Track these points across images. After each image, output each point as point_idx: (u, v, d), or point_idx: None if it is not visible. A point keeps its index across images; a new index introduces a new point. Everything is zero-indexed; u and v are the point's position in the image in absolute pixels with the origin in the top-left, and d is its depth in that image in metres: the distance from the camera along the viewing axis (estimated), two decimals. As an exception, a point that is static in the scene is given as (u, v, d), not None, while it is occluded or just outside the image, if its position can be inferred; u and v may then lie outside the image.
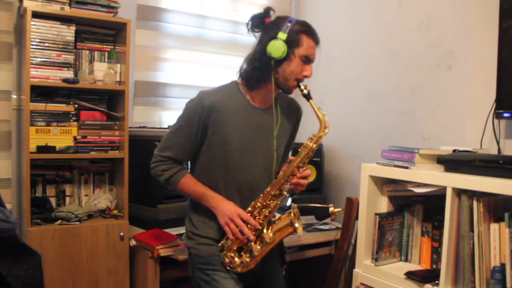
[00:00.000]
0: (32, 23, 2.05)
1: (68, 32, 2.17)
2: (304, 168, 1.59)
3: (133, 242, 2.20)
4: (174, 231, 2.25)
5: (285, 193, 1.59)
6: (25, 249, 1.58)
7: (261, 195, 1.59)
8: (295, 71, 1.57)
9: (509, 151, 1.85)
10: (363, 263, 1.78)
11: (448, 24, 2.15)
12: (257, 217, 1.59)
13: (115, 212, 2.30)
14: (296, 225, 1.57)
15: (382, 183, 1.80)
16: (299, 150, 1.60)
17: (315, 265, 2.66)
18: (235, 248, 1.60)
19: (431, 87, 2.24)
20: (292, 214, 1.57)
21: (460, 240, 1.46)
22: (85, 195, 2.38)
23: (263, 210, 1.59)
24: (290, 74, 1.57)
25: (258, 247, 1.57)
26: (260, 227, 1.58)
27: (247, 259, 1.58)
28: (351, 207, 1.98)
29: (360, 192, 1.81)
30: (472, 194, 1.43)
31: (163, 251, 2.05)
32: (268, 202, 1.59)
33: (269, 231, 1.59)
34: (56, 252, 2.04)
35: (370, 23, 2.63)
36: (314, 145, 1.59)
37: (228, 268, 1.60)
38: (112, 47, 2.38)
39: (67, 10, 2.12)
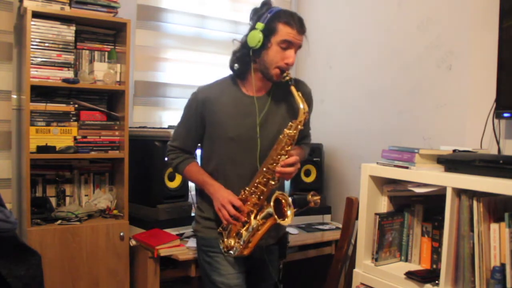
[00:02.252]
0: (32, 23, 2.05)
1: (68, 32, 2.17)
2: (286, 156, 1.61)
3: (133, 242, 2.20)
4: (174, 231, 2.25)
5: (271, 181, 1.63)
6: (25, 249, 1.58)
7: (250, 184, 1.67)
8: (274, 59, 1.61)
9: (509, 151, 1.85)
10: (363, 263, 1.78)
11: (448, 24, 2.15)
12: (248, 203, 1.66)
13: (115, 212, 2.30)
14: (288, 211, 1.62)
15: (382, 183, 1.80)
16: (280, 137, 1.63)
17: (315, 265, 2.66)
18: (232, 234, 1.69)
19: (431, 87, 2.24)
20: (272, 203, 1.59)
21: (460, 240, 1.46)
22: (85, 195, 2.38)
23: (253, 196, 1.65)
24: (270, 62, 1.62)
25: (246, 232, 1.65)
26: (248, 212, 1.65)
27: (238, 245, 1.67)
28: (351, 207, 1.98)
29: (360, 192, 1.81)
30: (472, 194, 1.43)
31: (163, 251, 2.05)
32: (255, 189, 1.65)
33: (257, 218, 1.64)
34: (56, 252, 2.04)
35: (370, 23, 2.63)
36: (293, 132, 1.61)
37: (224, 252, 1.70)
38: (112, 47, 2.38)
39: (67, 10, 2.12)
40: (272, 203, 1.59)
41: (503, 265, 1.37)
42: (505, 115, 1.74)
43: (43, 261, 1.63)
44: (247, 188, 1.67)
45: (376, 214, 1.75)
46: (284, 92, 1.70)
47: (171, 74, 2.80)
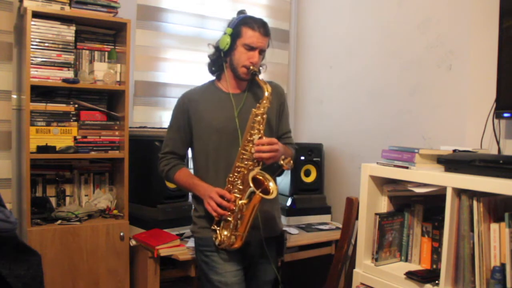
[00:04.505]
0: (32, 23, 2.05)
1: (68, 32, 2.17)
2: (260, 135, 1.68)
3: (133, 242, 2.20)
4: (174, 231, 2.25)
5: (249, 162, 1.68)
6: (25, 249, 1.58)
7: (232, 170, 1.72)
8: (240, 59, 1.78)
9: (509, 151, 1.85)
10: (363, 263, 1.78)
11: (448, 24, 2.15)
12: (234, 191, 1.69)
13: (115, 212, 2.30)
14: (271, 184, 1.63)
15: (382, 183, 1.80)
16: (249, 117, 1.72)
17: (315, 265, 2.66)
18: (225, 227, 1.70)
19: (431, 87, 2.24)
20: (251, 182, 1.60)
21: (460, 240, 1.46)
22: (85, 195, 2.38)
23: (237, 182, 1.70)
24: (237, 62, 1.79)
25: (233, 219, 1.67)
26: (235, 199, 1.67)
27: (229, 233, 1.68)
28: (351, 207, 1.98)
29: (360, 192, 1.81)
30: (472, 194, 1.43)
31: (163, 251, 2.06)
32: (237, 174, 1.70)
33: (241, 200, 1.66)
34: (56, 252, 2.04)
35: (370, 23, 2.63)
36: (262, 110, 1.71)
37: (219, 247, 1.72)
38: (112, 47, 2.38)
39: (67, 10, 2.12)
40: (251, 182, 1.61)
41: (503, 265, 1.37)
42: (505, 115, 1.74)
43: (43, 261, 1.63)
44: (230, 175, 1.71)
45: (376, 214, 1.75)
46: (259, 90, 1.84)
47: (171, 74, 2.80)
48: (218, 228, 1.73)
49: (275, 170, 1.73)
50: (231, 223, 1.68)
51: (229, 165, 1.74)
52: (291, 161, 1.65)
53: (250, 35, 1.76)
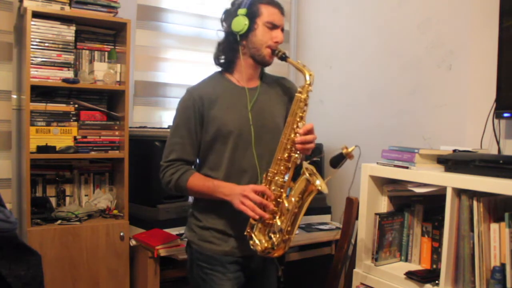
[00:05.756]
0: (32, 23, 2.05)
1: (68, 32, 2.17)
2: (303, 122, 1.52)
3: (133, 242, 2.20)
4: (174, 231, 2.25)
5: (294, 155, 1.50)
6: (25, 249, 1.57)
7: (272, 163, 1.52)
8: (263, 39, 1.59)
9: (509, 151, 1.85)
10: (363, 263, 1.78)
11: (448, 24, 2.15)
12: (273, 188, 1.50)
13: (115, 212, 2.30)
14: (317, 182, 1.41)
15: (382, 183, 1.80)
16: (292, 104, 1.55)
17: (315, 265, 2.66)
18: (265, 229, 1.50)
19: (431, 87, 2.24)
20: (307, 174, 1.42)
21: (460, 240, 1.47)
22: (85, 195, 2.38)
23: (277, 178, 1.50)
24: (260, 43, 1.59)
25: (283, 218, 1.46)
26: (276, 197, 1.48)
27: (278, 239, 1.47)
28: (351, 207, 1.98)
29: (360, 192, 1.81)
30: (472, 194, 1.43)
31: (163, 251, 2.05)
32: (279, 168, 1.50)
33: (290, 198, 1.46)
34: (56, 252, 2.04)
35: (370, 23, 2.63)
36: (304, 96, 1.53)
37: (262, 253, 1.50)
38: (112, 47, 2.38)
39: (67, 10, 2.12)
40: (307, 173, 1.42)
41: (503, 265, 1.37)
42: (505, 115, 1.74)
43: (43, 261, 1.63)
44: (269, 170, 1.51)
45: (376, 214, 1.75)
46: (272, 84, 1.71)
47: (171, 74, 2.80)
48: (252, 233, 1.51)
49: (337, 160, 1.54)
50: (273, 226, 1.47)
51: (241, 170, 1.58)
52: (353, 149, 1.50)
53: (272, 12, 1.58)
